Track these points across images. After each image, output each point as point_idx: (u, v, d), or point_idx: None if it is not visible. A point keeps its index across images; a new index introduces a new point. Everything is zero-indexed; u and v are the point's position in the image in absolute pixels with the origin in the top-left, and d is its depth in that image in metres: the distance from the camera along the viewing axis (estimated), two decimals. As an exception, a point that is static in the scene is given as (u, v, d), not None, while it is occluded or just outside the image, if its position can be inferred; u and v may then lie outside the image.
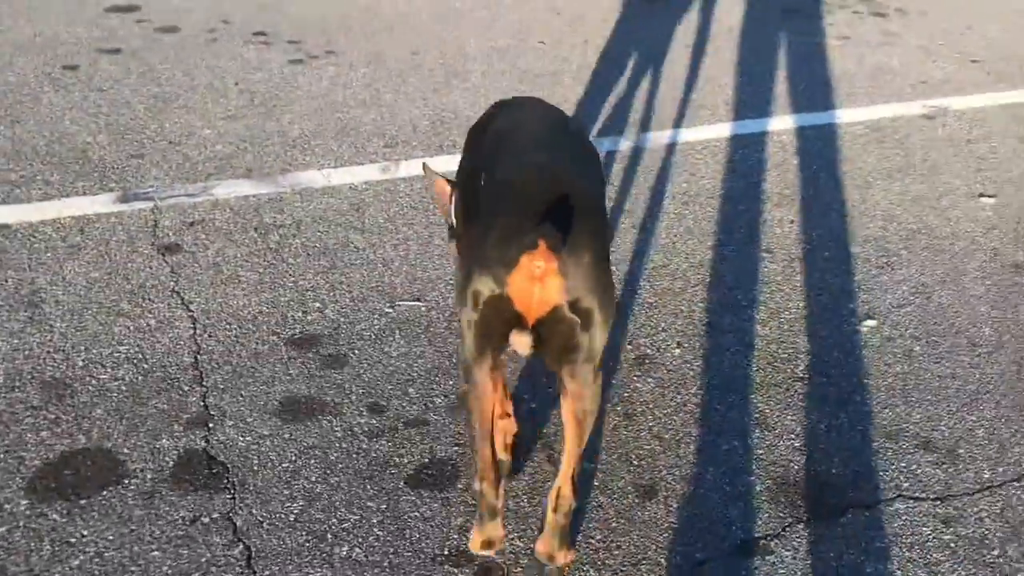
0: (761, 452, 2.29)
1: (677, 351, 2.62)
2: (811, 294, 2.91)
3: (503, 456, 2.11)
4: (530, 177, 1.69)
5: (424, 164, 2.25)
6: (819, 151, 3.83)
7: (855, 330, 2.75)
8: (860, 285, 2.96)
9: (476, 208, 1.80)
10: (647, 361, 2.57)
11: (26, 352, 2.45)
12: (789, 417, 2.40)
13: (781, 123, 4.05)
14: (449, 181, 2.14)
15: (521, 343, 1.66)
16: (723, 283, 2.94)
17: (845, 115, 4.17)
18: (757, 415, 2.40)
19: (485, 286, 1.60)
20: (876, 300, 2.89)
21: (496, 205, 1.68)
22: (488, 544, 1.87)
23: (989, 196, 3.54)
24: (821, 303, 2.87)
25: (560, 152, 1.87)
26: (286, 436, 2.24)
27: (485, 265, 1.60)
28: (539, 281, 1.55)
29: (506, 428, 2.17)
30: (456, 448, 2.24)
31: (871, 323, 2.78)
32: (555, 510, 1.82)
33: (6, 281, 2.71)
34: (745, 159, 3.72)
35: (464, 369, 1.77)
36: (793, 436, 2.34)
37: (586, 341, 1.64)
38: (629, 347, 2.63)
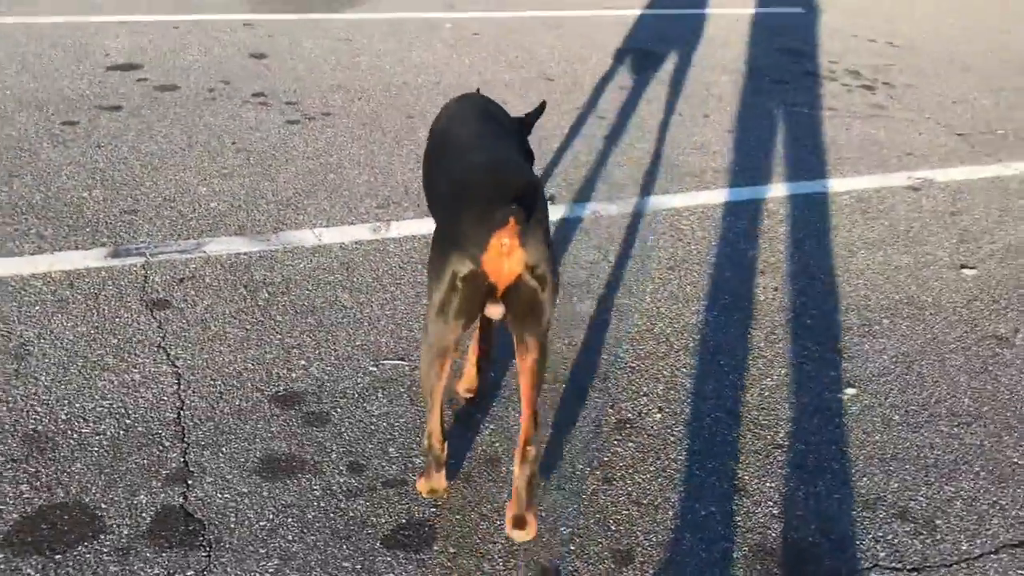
0: (739, 518, 2.29)
1: (658, 416, 2.64)
2: (793, 361, 2.93)
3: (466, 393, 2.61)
4: (491, 172, 2.03)
5: None
6: (805, 219, 3.89)
7: (836, 398, 2.77)
8: (842, 353, 2.99)
9: (442, 198, 2.13)
10: (628, 426, 2.59)
11: (10, 404, 2.46)
12: (768, 484, 2.41)
13: (768, 191, 4.12)
14: None
15: (494, 311, 1.99)
16: (706, 349, 2.96)
17: (832, 185, 4.25)
18: (736, 481, 2.41)
19: (464, 266, 1.90)
20: (857, 368, 2.92)
21: (463, 195, 1.97)
22: (432, 491, 2.22)
23: (971, 268, 3.59)
24: (803, 370, 2.89)
25: (508, 146, 2.26)
26: (264, 494, 2.24)
27: (462, 248, 1.90)
28: (506, 256, 1.88)
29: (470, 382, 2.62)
30: (434, 510, 2.24)
31: (851, 391, 2.81)
32: (523, 461, 2.07)
33: (-6, 333, 2.74)
34: (732, 226, 3.78)
35: (429, 348, 2.04)
36: (771, 503, 2.35)
37: (543, 300, 1.97)
38: (610, 411, 2.64)
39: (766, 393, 2.77)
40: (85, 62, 4.91)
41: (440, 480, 2.21)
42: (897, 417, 2.70)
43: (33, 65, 4.80)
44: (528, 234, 1.89)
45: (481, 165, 2.06)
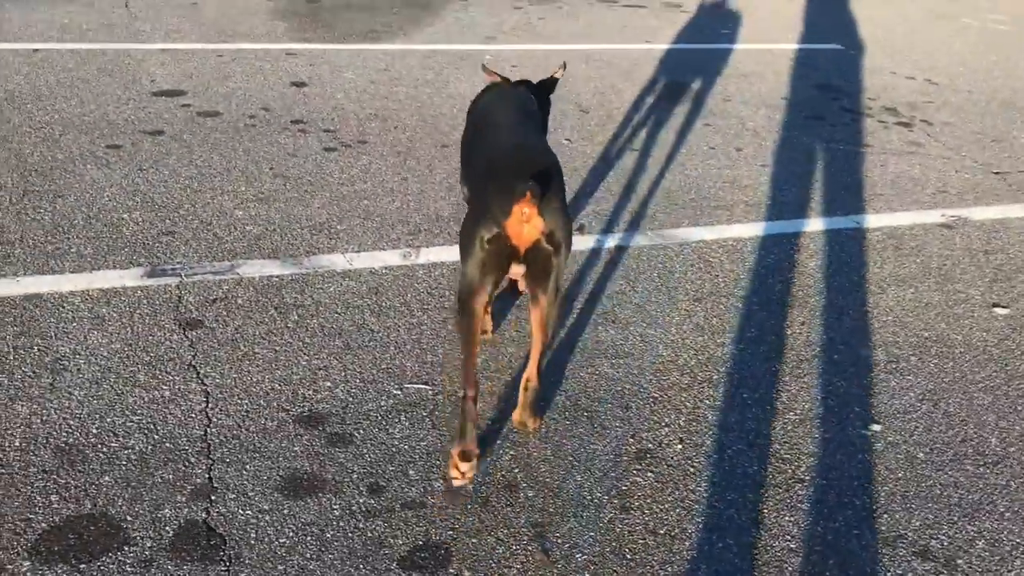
0: (757, 552, 2.28)
1: (679, 447, 2.64)
2: (818, 396, 2.92)
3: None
4: (516, 152, 2.45)
5: (483, 64, 3.30)
6: (836, 255, 3.88)
7: (859, 434, 2.75)
8: (867, 389, 2.97)
9: (475, 172, 2.54)
10: (648, 455, 2.59)
11: (44, 417, 2.53)
12: (787, 518, 2.40)
13: (800, 226, 4.12)
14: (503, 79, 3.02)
15: (516, 271, 2.33)
16: (730, 381, 2.96)
17: (865, 221, 4.23)
18: (755, 514, 2.40)
19: (489, 231, 2.25)
20: (883, 405, 2.90)
21: (492, 171, 2.36)
22: (466, 456, 2.34)
23: (1003, 307, 3.55)
24: (827, 405, 2.88)
25: (534, 129, 2.72)
26: (285, 512, 2.28)
27: (489, 215, 2.25)
28: (526, 222, 2.21)
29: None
30: (451, 532, 2.26)
31: (876, 427, 2.79)
32: (525, 390, 2.53)
33: (32, 348, 2.82)
34: (762, 260, 3.78)
35: (463, 300, 2.35)
36: (790, 537, 2.33)
37: (556, 262, 2.32)
38: (631, 440, 2.65)
39: (789, 427, 2.76)
40: (131, 88, 5.06)
41: (473, 444, 2.36)
42: (922, 455, 2.68)
43: (81, 90, 4.96)
44: (545, 205, 2.22)
45: (508, 146, 2.49)
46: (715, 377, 2.98)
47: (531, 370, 2.50)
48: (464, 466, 2.34)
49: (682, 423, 2.74)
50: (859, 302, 3.52)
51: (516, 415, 2.59)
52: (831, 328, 3.32)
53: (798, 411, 2.84)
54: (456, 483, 2.37)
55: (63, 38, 5.84)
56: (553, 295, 2.38)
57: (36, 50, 5.54)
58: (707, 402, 2.85)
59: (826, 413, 2.84)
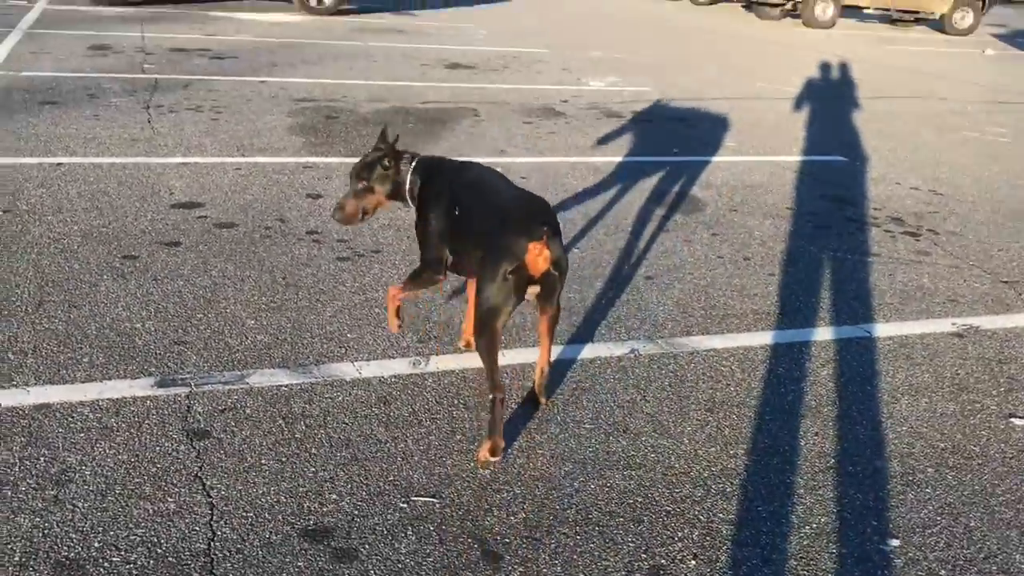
0: (775, 676, 2.19)
1: (693, 563, 2.57)
2: (834, 509, 2.86)
3: None
4: (522, 203, 3.07)
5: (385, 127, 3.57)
6: (847, 364, 3.86)
7: (878, 549, 2.68)
8: (884, 502, 2.91)
9: (479, 226, 3.02)
10: (661, 572, 2.52)
11: (46, 530, 2.50)
12: (806, 639, 2.31)
13: (810, 335, 4.11)
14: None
15: (532, 292, 2.96)
16: (744, 493, 2.91)
17: (875, 330, 4.22)
18: (773, 635, 2.32)
19: (511, 264, 2.83)
20: (901, 518, 2.83)
21: (508, 218, 2.94)
22: (495, 450, 2.92)
23: (1020, 417, 3.50)
24: (844, 519, 2.81)
25: (518, 188, 3.26)
26: (288, 631, 2.22)
27: (511, 253, 2.84)
28: (540, 255, 2.85)
29: None
30: (458, 653, 2.19)
31: (895, 542, 2.71)
32: (542, 375, 3.29)
33: (38, 459, 2.80)
34: (773, 369, 3.76)
35: (488, 323, 2.90)
36: (810, 660, 2.25)
37: (559, 283, 3.02)
38: (643, 556, 2.58)
39: (805, 541, 2.69)
40: (150, 200, 5.17)
41: (500, 439, 2.94)
42: (944, 572, 2.60)
43: (101, 202, 5.07)
44: (551, 242, 2.88)
45: (510, 199, 3.09)
46: (729, 489, 2.92)
47: (544, 360, 3.25)
48: (493, 458, 2.92)
49: (696, 537, 2.68)
50: (872, 412, 3.48)
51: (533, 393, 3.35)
52: (845, 438, 3.27)
53: (814, 524, 2.77)
54: (483, 470, 2.92)
55: (86, 152, 6.01)
56: (556, 307, 3.14)
57: (59, 164, 5.70)
58: (721, 515, 2.79)
59: (843, 527, 2.78)
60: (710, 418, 3.35)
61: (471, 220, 3.09)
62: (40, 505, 2.59)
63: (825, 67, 12.90)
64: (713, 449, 3.15)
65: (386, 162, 3.34)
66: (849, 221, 5.86)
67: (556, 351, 3.73)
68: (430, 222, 3.23)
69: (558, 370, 3.58)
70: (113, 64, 8.94)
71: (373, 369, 3.49)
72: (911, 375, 3.80)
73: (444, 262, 3.24)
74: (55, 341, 3.51)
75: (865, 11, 20.89)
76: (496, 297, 2.86)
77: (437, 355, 3.65)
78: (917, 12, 20.39)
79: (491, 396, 2.92)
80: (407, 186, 3.33)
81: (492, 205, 3.06)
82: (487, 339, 2.92)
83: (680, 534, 2.69)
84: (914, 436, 3.32)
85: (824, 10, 19.21)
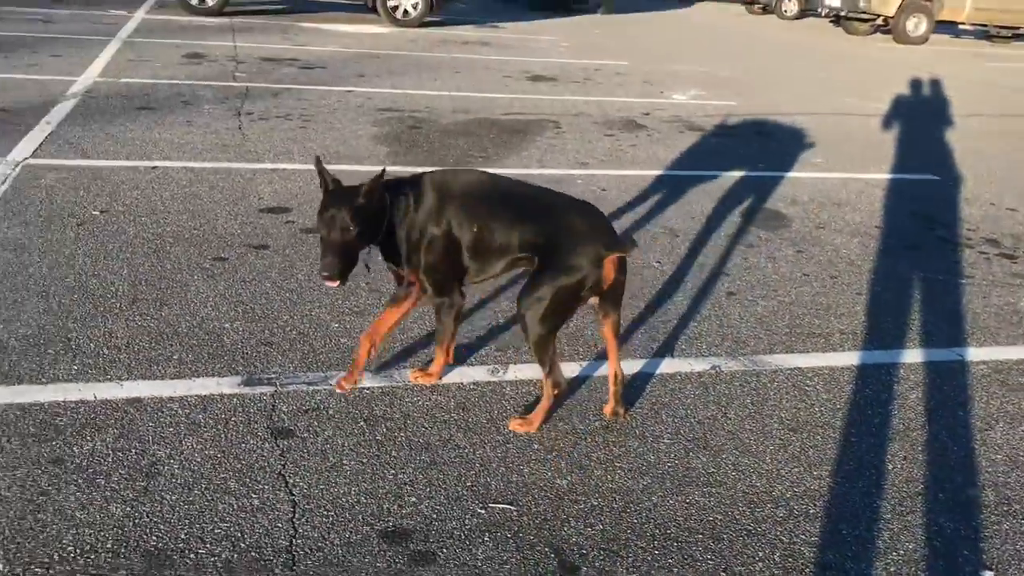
0: None
1: (774, 583, 2.51)
2: (922, 536, 2.76)
3: None
4: (582, 213, 3.09)
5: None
6: (938, 388, 3.73)
7: (970, 580, 2.58)
8: (977, 532, 2.80)
9: (532, 233, 3.05)
10: (741, 591, 2.47)
11: (136, 520, 2.57)
12: (893, 669, 2.24)
13: (899, 356, 4.00)
14: None
15: (595, 300, 3.04)
16: (828, 516, 2.83)
17: (968, 354, 4.08)
18: (857, 663, 2.25)
19: (590, 277, 2.93)
20: (995, 550, 2.72)
21: (569, 229, 3.00)
22: (527, 430, 3.15)
23: (1124, 449, 3.34)
24: (933, 546, 2.72)
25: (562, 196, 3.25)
26: (365, 630, 2.24)
27: (584, 268, 2.92)
28: (612, 266, 2.96)
29: None
30: (533, 662, 2.18)
31: (989, 574, 2.61)
32: (615, 383, 3.25)
33: (130, 451, 2.89)
34: (859, 390, 3.66)
35: (552, 332, 3.01)
36: None
37: (623, 289, 3.10)
38: (722, 574, 2.53)
39: (892, 568, 2.61)
40: (240, 204, 5.31)
41: (539, 427, 3.17)
42: (1040, 607, 2.49)
43: (193, 205, 5.22)
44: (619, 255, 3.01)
45: (566, 208, 3.10)
46: (812, 511, 2.85)
47: (616, 366, 3.22)
48: (520, 430, 3.15)
49: (777, 559, 2.62)
50: (965, 438, 3.36)
51: (608, 408, 3.29)
52: (935, 464, 3.16)
53: (902, 551, 2.69)
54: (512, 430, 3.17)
55: (180, 156, 6.20)
56: (619, 309, 3.15)
57: (154, 167, 5.89)
58: (803, 537, 2.72)
59: (932, 555, 2.68)
60: (793, 438, 3.27)
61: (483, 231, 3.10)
62: (131, 495, 2.67)
63: (916, 83, 12.57)
64: (796, 469, 3.07)
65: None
66: (941, 241, 5.69)
67: (637, 365, 3.70)
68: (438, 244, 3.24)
69: (638, 384, 3.55)
70: (206, 72, 9.23)
71: (452, 376, 3.51)
72: (1007, 401, 3.66)
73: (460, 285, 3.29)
74: (147, 338, 3.62)
75: (961, 26, 20.31)
76: (563, 307, 2.98)
77: (515, 364, 3.65)
78: (1016, 28, 19.74)
79: (555, 391, 3.11)
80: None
81: (539, 212, 3.08)
82: (549, 345, 3.02)
83: (760, 554, 2.63)
84: (1010, 465, 3.19)
85: (916, 25, 18.73)
